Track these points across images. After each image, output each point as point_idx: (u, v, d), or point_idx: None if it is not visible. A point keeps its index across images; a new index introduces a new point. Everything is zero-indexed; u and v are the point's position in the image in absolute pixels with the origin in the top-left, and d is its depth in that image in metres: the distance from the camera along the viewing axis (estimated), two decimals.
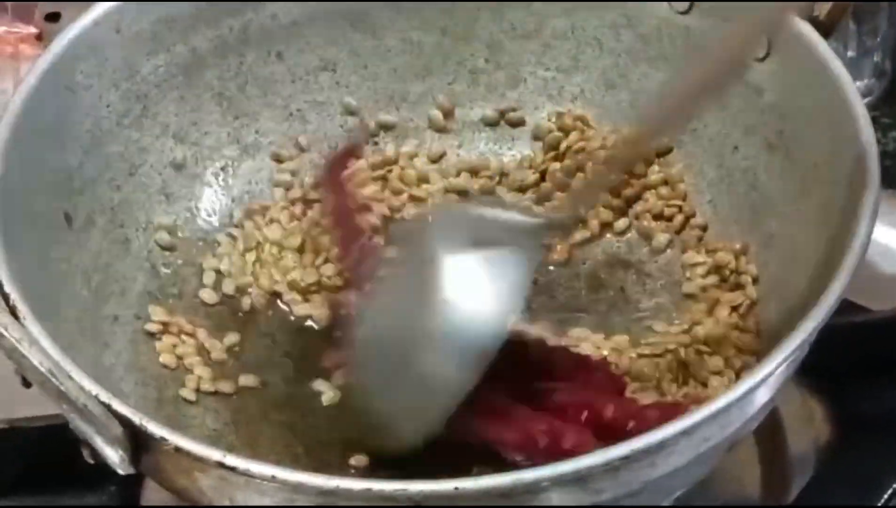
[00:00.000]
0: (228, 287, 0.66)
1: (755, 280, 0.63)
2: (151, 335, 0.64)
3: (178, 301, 0.66)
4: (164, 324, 0.64)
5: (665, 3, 0.67)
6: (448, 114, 0.71)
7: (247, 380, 0.63)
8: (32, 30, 0.84)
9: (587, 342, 0.63)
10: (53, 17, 0.86)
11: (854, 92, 0.60)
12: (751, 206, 0.65)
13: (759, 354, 0.61)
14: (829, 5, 0.63)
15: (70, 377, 0.50)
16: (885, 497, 0.62)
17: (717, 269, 0.65)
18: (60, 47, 0.63)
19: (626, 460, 0.49)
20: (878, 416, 0.66)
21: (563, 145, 0.70)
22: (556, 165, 0.70)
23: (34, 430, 0.63)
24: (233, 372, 0.63)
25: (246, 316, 0.66)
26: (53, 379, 0.50)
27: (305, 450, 0.60)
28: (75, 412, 0.50)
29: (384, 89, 0.71)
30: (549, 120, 0.71)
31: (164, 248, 0.66)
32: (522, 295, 0.58)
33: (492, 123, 0.72)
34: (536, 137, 0.71)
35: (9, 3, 0.85)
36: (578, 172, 0.69)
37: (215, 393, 0.62)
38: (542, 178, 0.70)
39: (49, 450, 0.61)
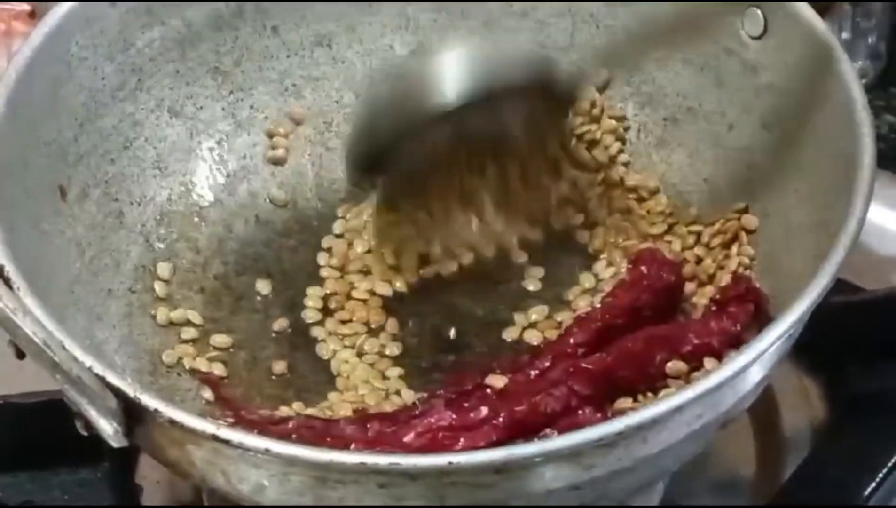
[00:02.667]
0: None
1: (752, 259, 0.63)
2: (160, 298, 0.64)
3: (171, 276, 0.65)
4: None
5: None
6: None
7: (240, 355, 0.63)
8: (25, 7, 0.83)
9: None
10: None
11: (850, 71, 0.60)
12: (746, 184, 0.65)
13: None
14: None
15: (64, 348, 0.50)
16: (881, 475, 0.62)
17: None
18: (55, 19, 0.63)
19: (619, 436, 0.49)
20: (874, 395, 0.66)
21: None
22: None
23: (28, 406, 0.63)
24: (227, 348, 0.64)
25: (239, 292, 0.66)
26: (47, 350, 0.50)
27: None
28: (69, 382, 0.50)
29: (380, 65, 0.71)
30: None
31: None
32: None
33: None
34: None
35: None
36: None
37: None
38: None
39: (43, 426, 0.61)
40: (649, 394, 0.59)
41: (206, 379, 0.62)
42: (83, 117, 0.64)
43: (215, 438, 0.49)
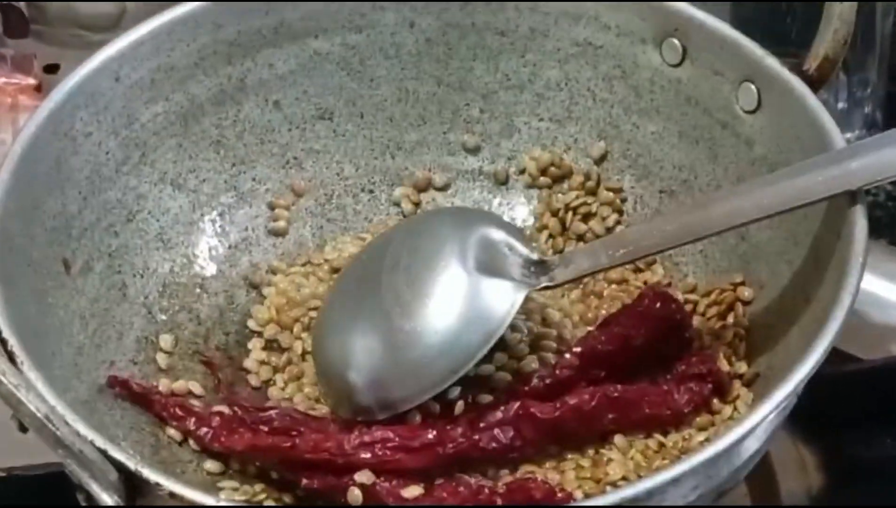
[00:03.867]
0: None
1: (748, 331, 0.64)
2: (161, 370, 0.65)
3: (173, 347, 0.66)
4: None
5: (657, 56, 0.68)
6: (423, 188, 0.73)
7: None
8: (31, 81, 0.84)
9: None
10: (52, 69, 0.87)
11: (842, 145, 0.61)
12: (741, 256, 0.65)
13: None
14: (819, 60, 0.63)
15: (66, 423, 0.51)
16: None
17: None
18: (60, 95, 0.64)
19: None
20: (871, 464, 0.67)
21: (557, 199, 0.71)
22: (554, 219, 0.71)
23: (32, 478, 0.63)
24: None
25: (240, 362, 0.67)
26: (50, 425, 0.51)
27: (297, 500, 0.60)
28: (71, 457, 0.51)
29: (380, 138, 0.72)
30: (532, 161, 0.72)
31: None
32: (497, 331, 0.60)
33: (487, 174, 0.72)
34: (530, 185, 0.72)
35: (8, 55, 0.86)
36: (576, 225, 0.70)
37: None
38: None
39: (47, 498, 0.61)
40: (591, 451, 0.60)
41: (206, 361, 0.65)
42: (87, 191, 0.65)
43: None
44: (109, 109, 0.65)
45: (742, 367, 0.62)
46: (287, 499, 0.60)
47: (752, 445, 0.54)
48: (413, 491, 0.58)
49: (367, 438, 0.58)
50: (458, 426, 0.59)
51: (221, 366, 0.66)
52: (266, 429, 0.60)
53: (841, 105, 0.82)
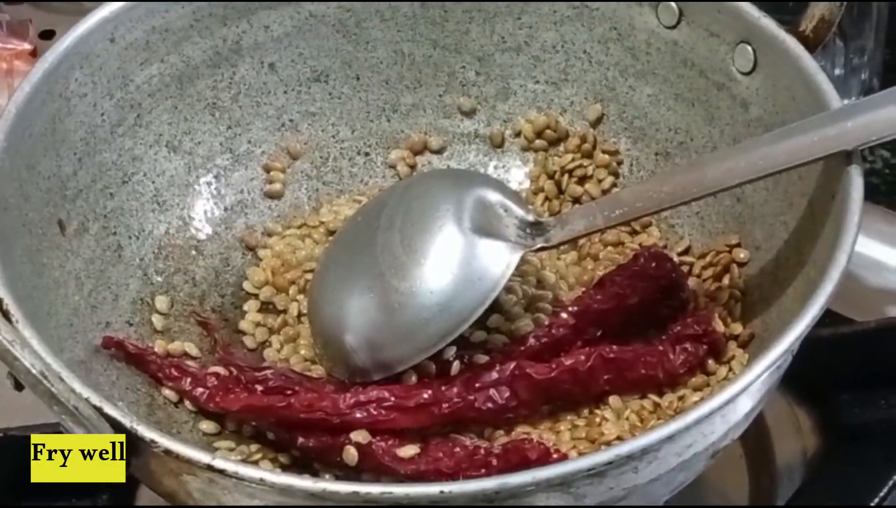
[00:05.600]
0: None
1: (744, 293, 0.64)
2: (157, 331, 0.65)
3: (169, 309, 0.66)
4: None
5: (653, 18, 0.68)
6: (419, 151, 0.73)
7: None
8: (27, 46, 0.85)
9: None
10: (48, 35, 0.87)
11: (838, 106, 0.60)
12: (736, 218, 0.65)
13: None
14: (815, 21, 0.63)
15: (61, 380, 0.51)
16: (872, 505, 0.63)
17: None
18: (55, 56, 0.63)
19: (609, 465, 0.49)
20: (866, 426, 0.67)
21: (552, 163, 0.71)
22: (550, 182, 0.71)
23: (28, 439, 0.63)
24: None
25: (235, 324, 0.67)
26: (45, 381, 0.51)
27: (293, 460, 0.60)
28: (67, 414, 0.51)
29: (375, 100, 0.72)
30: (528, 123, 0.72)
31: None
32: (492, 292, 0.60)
33: (483, 136, 0.72)
34: (526, 148, 0.72)
35: (3, 20, 0.86)
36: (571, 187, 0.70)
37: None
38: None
39: None
40: (586, 412, 0.61)
41: (202, 322, 0.65)
42: (82, 152, 0.64)
43: (210, 468, 0.49)
44: (104, 70, 0.65)
45: (737, 328, 0.62)
46: (283, 459, 0.60)
47: (746, 403, 0.54)
48: (409, 451, 0.58)
49: (362, 397, 0.58)
50: (453, 386, 0.60)
51: (217, 328, 0.66)
52: (261, 389, 0.60)
53: (838, 72, 0.82)
